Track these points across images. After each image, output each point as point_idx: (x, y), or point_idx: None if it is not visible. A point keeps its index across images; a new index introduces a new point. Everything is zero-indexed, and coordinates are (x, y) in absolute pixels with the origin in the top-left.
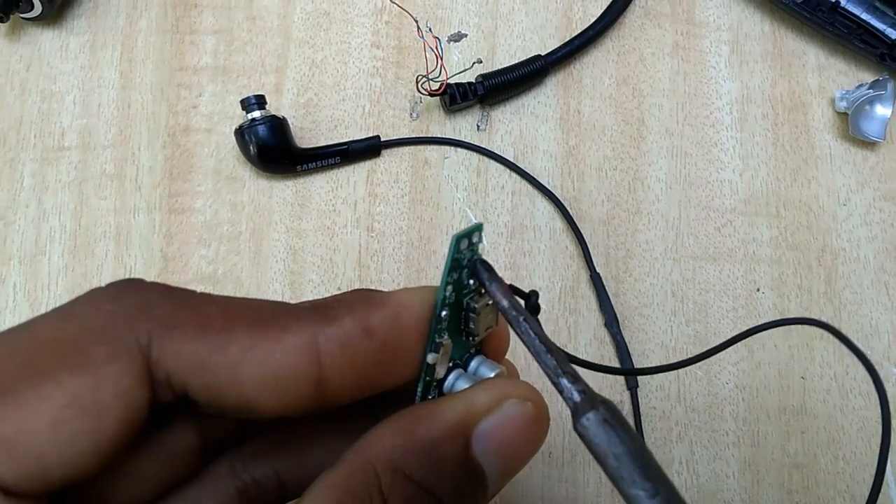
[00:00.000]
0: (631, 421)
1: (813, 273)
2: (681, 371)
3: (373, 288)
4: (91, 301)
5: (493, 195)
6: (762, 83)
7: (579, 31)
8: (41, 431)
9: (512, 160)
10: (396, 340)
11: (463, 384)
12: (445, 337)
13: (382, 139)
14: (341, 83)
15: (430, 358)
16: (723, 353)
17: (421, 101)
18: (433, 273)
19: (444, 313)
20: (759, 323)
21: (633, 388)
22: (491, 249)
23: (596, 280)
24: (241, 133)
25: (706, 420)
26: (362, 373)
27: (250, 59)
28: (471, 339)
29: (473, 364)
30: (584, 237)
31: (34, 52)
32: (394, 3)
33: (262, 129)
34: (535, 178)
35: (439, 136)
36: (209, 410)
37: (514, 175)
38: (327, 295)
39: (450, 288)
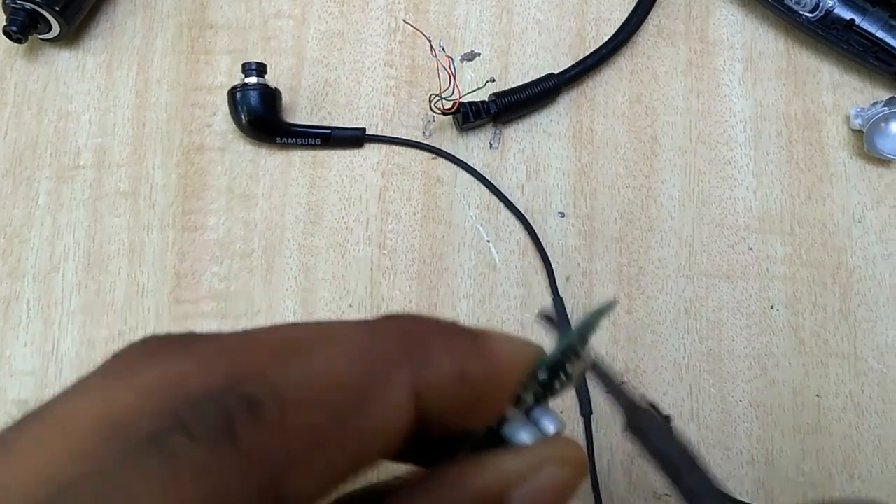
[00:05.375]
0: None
1: (828, 291)
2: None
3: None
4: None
5: (504, 213)
6: (776, 101)
7: (592, 49)
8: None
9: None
10: (488, 392)
11: (522, 435)
12: (531, 396)
13: (369, 132)
14: (355, 102)
15: (509, 412)
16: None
17: (434, 120)
18: (444, 290)
19: (542, 377)
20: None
21: (586, 414)
22: (503, 268)
23: (557, 304)
24: (234, 94)
25: (720, 438)
26: (446, 417)
27: (264, 79)
28: (546, 393)
29: (536, 413)
30: (550, 258)
31: (51, 73)
32: (407, 23)
33: (252, 95)
34: (502, 194)
35: (421, 141)
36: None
37: (525, 193)
38: (339, 312)
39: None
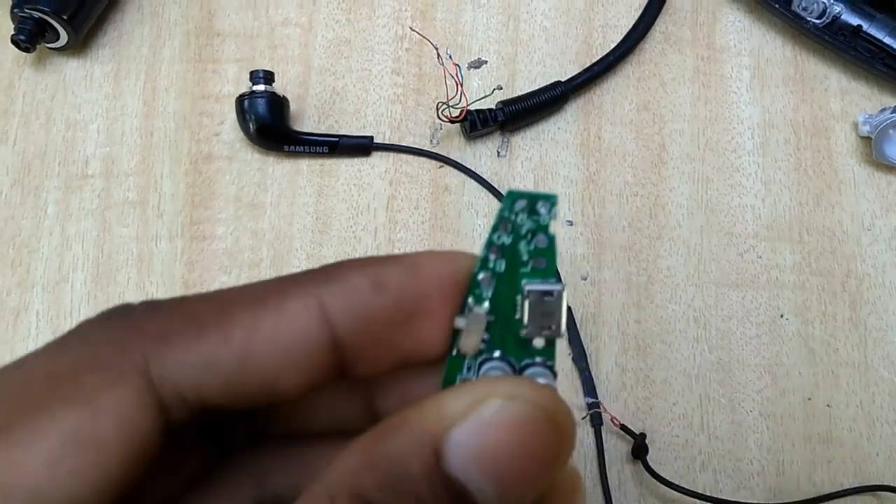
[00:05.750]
0: (593, 464)
1: (837, 299)
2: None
3: None
4: (81, 332)
5: None
6: (784, 108)
7: (599, 56)
8: (38, 471)
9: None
10: (414, 298)
11: (490, 369)
12: (485, 306)
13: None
14: (362, 110)
15: (457, 322)
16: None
17: (441, 128)
18: None
19: (481, 276)
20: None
21: (597, 426)
22: None
23: (566, 314)
24: (242, 102)
25: (730, 449)
26: (380, 334)
27: (272, 87)
28: (528, 341)
29: (529, 371)
30: (558, 267)
31: (59, 82)
32: (414, 30)
33: (260, 103)
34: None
35: (428, 149)
36: (236, 408)
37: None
38: None
39: (494, 253)
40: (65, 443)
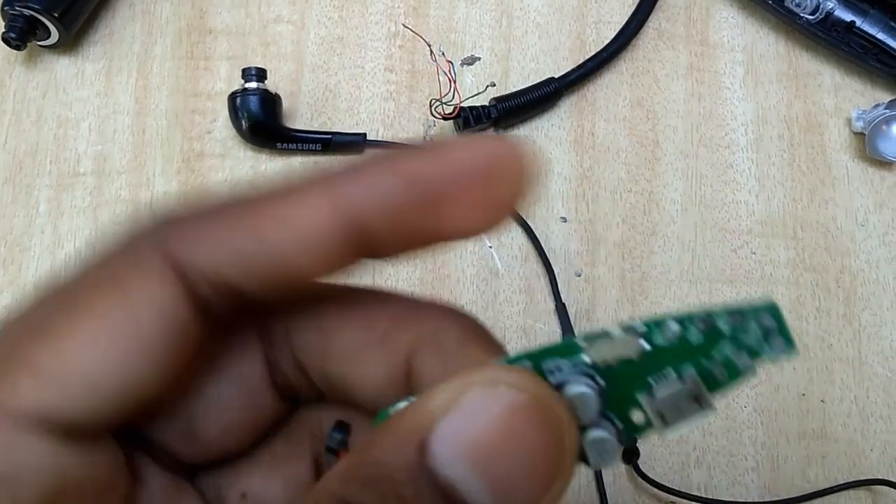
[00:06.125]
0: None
1: (832, 295)
2: None
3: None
4: (116, 239)
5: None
6: (777, 104)
7: (592, 53)
8: (87, 359)
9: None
10: (443, 188)
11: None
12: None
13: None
14: (355, 107)
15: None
16: None
17: (435, 125)
18: (447, 297)
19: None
20: None
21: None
22: (505, 274)
23: (560, 311)
24: (234, 99)
25: (724, 445)
26: (409, 222)
27: (264, 84)
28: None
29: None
30: (552, 263)
31: (50, 79)
32: (407, 27)
33: (253, 100)
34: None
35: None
36: (258, 293)
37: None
38: None
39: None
40: (109, 332)
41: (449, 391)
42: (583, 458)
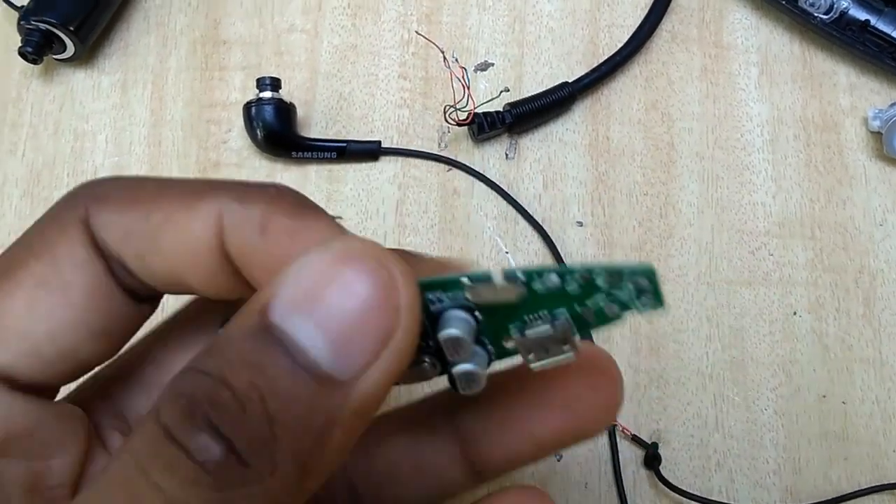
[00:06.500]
0: (608, 465)
1: (850, 295)
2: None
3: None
4: (51, 208)
5: (522, 223)
6: (793, 104)
7: (606, 56)
8: (20, 314)
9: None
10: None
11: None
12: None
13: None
14: (369, 115)
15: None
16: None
17: (449, 131)
18: None
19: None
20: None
21: (610, 428)
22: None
23: None
24: (249, 109)
25: (745, 447)
26: (255, 265)
27: (278, 94)
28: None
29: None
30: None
31: (67, 93)
32: (420, 34)
33: (267, 109)
34: (520, 205)
35: (436, 153)
36: (151, 284)
37: (542, 203)
38: None
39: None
40: (37, 285)
41: (292, 265)
42: (453, 385)
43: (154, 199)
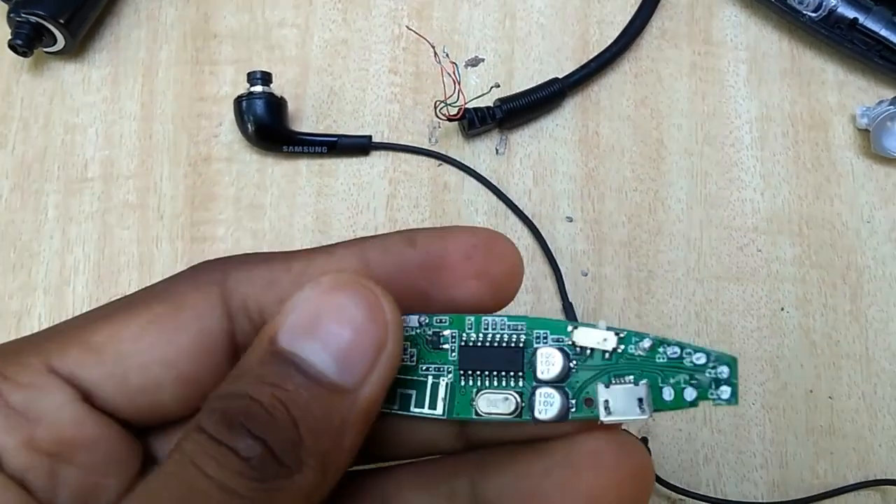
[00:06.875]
0: None
1: (838, 292)
2: None
3: None
4: (184, 270)
5: (512, 218)
6: (781, 101)
7: (596, 53)
8: (126, 339)
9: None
10: (439, 252)
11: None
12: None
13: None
14: (360, 110)
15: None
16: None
17: (440, 127)
18: None
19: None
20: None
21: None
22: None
23: (567, 310)
24: (240, 103)
25: (733, 441)
26: (408, 276)
27: (269, 88)
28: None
29: None
30: (558, 263)
31: (57, 86)
32: (411, 29)
33: (258, 104)
34: (510, 200)
35: (427, 148)
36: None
37: (532, 198)
38: None
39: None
40: (150, 322)
41: (291, 299)
42: (531, 408)
43: (288, 258)
